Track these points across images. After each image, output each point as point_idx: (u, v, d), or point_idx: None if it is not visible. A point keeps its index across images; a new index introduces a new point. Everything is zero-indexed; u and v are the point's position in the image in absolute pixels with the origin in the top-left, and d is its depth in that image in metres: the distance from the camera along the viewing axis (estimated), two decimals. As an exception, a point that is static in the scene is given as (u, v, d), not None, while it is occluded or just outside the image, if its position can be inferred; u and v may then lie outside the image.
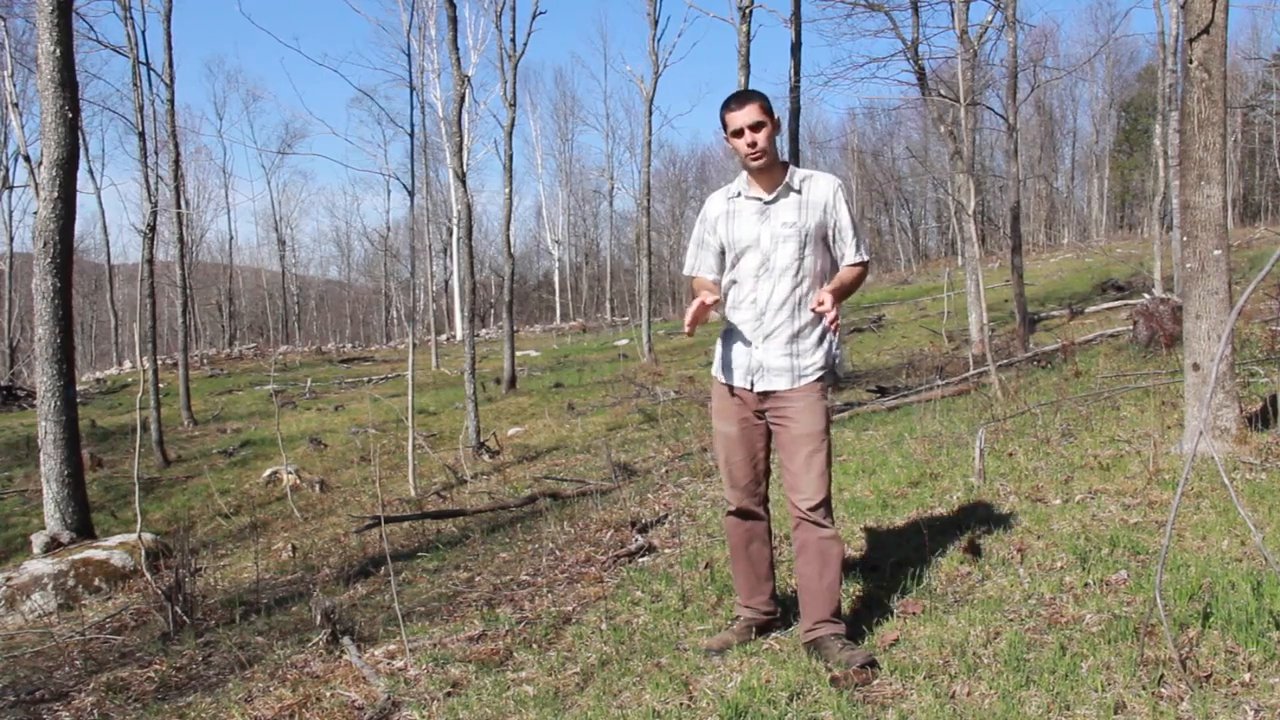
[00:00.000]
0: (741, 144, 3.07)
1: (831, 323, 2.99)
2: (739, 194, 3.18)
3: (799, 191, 3.12)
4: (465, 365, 11.23)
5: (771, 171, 3.12)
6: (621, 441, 9.73)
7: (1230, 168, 34.87)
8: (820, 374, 3.13)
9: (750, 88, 3.17)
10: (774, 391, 3.12)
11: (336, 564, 6.29)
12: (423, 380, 19.24)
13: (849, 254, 3.16)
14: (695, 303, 3.05)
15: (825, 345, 3.15)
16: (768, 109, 3.07)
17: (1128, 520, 4.02)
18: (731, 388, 3.21)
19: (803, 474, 3.06)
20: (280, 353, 32.18)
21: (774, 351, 3.11)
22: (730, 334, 3.22)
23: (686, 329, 3.06)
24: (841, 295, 3.11)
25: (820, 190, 3.12)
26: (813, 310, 3.02)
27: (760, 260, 3.11)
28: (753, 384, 3.15)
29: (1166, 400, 6.39)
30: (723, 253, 3.24)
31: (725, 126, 3.11)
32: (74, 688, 4.11)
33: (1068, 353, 9.71)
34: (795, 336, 3.11)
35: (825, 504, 3.07)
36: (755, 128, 3.04)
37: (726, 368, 3.22)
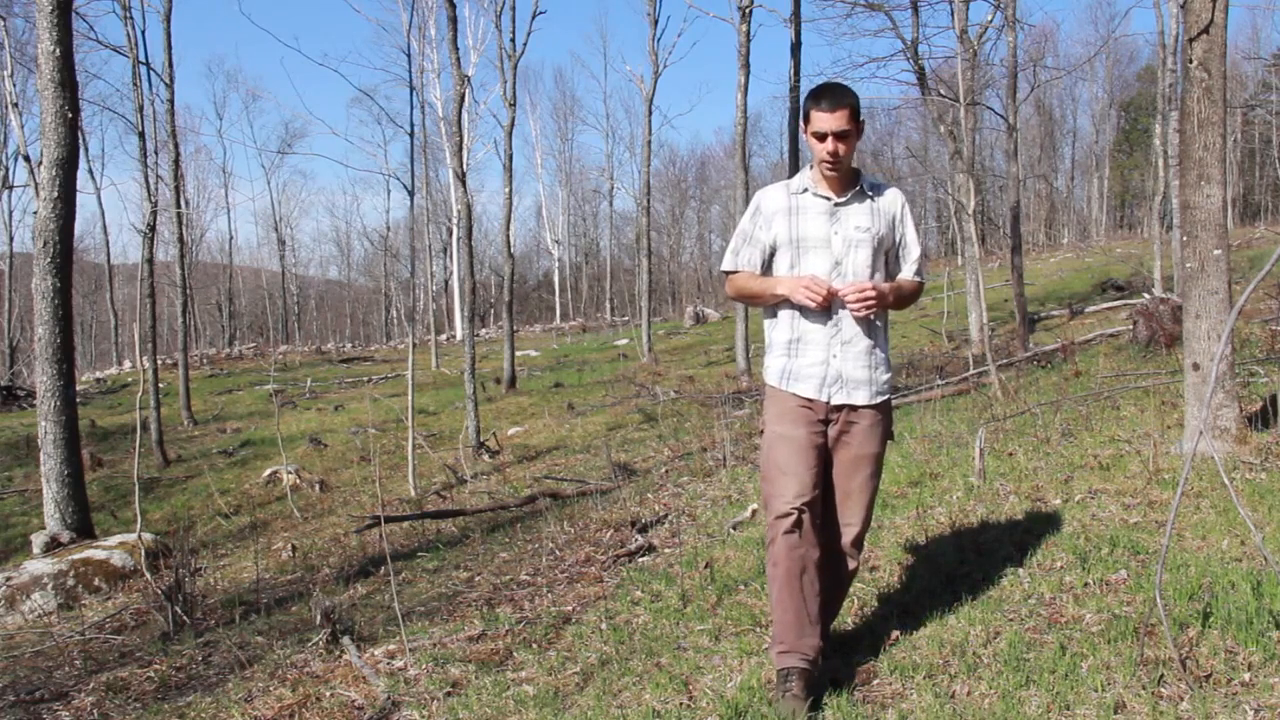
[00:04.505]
0: (820, 148, 2.83)
1: (859, 303, 2.80)
2: (805, 190, 2.93)
3: (871, 198, 2.92)
4: (465, 365, 11.23)
5: (843, 177, 2.91)
6: (621, 441, 9.73)
7: (1230, 168, 34.87)
8: (890, 393, 2.97)
9: (842, 88, 2.86)
10: (849, 405, 2.89)
11: (336, 564, 6.29)
12: (423, 380, 19.24)
13: (909, 271, 2.98)
14: (825, 287, 2.80)
15: (891, 364, 2.99)
16: (857, 116, 2.83)
17: (1128, 520, 4.01)
18: (797, 397, 2.90)
19: (856, 496, 2.90)
20: (280, 352, 32.18)
21: (852, 361, 2.88)
22: (797, 344, 2.92)
23: (819, 305, 2.81)
24: (896, 297, 2.93)
25: (889, 201, 2.94)
26: (852, 292, 2.81)
27: (831, 263, 2.87)
28: (830, 396, 2.88)
29: (1166, 400, 6.39)
30: (772, 251, 2.97)
31: (807, 120, 2.86)
32: (74, 687, 4.11)
33: (1068, 353, 9.72)
34: (873, 347, 2.91)
35: (864, 535, 2.97)
36: (841, 136, 2.80)
37: (793, 378, 2.91)
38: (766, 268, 3.00)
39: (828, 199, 2.90)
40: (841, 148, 2.82)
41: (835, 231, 2.89)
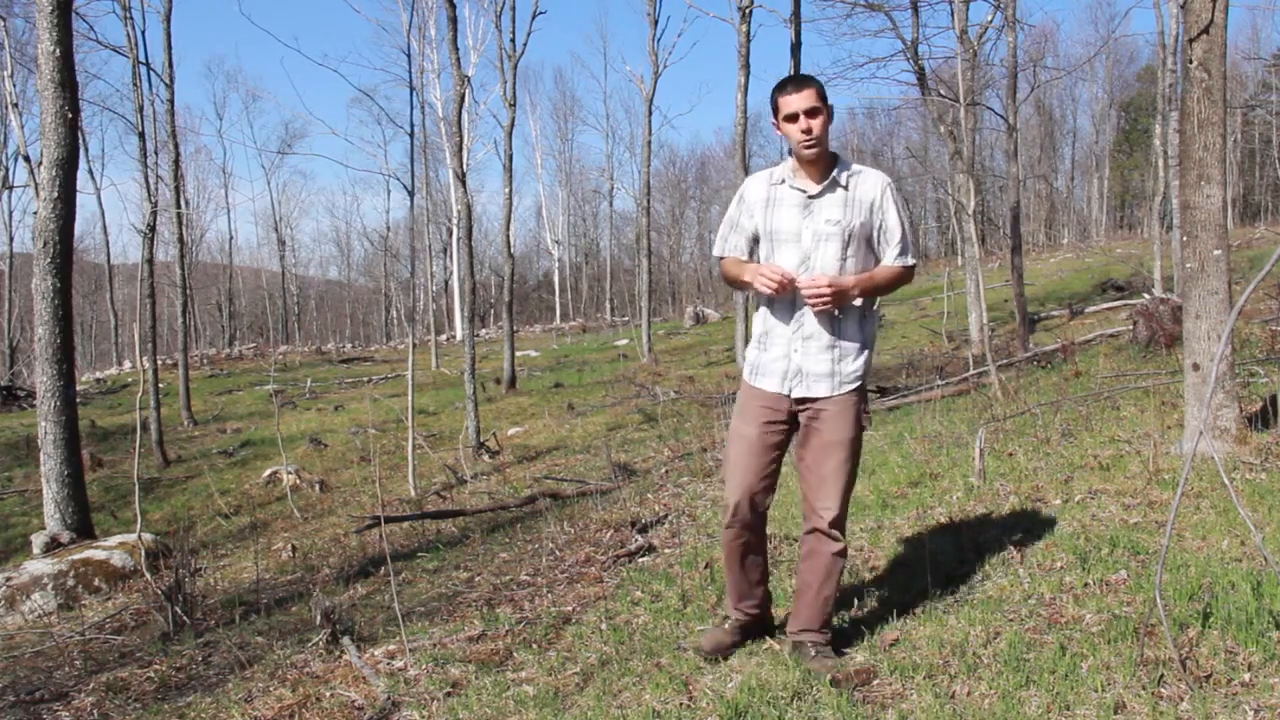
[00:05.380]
0: (795, 130, 2.89)
1: (814, 299, 2.84)
2: (783, 181, 3.00)
3: (846, 188, 2.95)
4: (465, 365, 11.23)
5: (820, 163, 2.95)
6: (621, 441, 9.73)
7: (1230, 168, 34.87)
8: (859, 382, 2.99)
9: (806, 74, 3.06)
10: (811, 398, 2.98)
11: (336, 564, 6.29)
12: (423, 380, 19.24)
13: (890, 255, 2.98)
14: (779, 274, 2.88)
15: (865, 353, 3.00)
16: (823, 95, 2.91)
17: (1128, 520, 4.01)
18: (762, 394, 3.04)
19: (830, 481, 2.96)
20: (280, 353, 32.18)
21: (813, 356, 2.95)
22: (766, 336, 3.04)
23: (774, 290, 2.88)
24: (868, 288, 2.94)
25: (868, 188, 2.95)
26: (807, 287, 2.86)
27: (800, 258, 2.94)
28: (790, 390, 2.98)
29: (1166, 400, 6.39)
30: (756, 239, 3.06)
31: (776, 111, 2.94)
32: (74, 688, 4.11)
33: (1068, 353, 9.71)
34: (837, 340, 2.95)
35: (843, 518, 3.01)
36: (811, 113, 2.87)
37: (759, 371, 3.04)
38: (754, 255, 3.10)
39: (803, 191, 2.96)
40: (815, 125, 2.89)
41: (806, 226, 2.95)
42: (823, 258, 2.93)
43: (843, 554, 3.03)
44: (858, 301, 2.97)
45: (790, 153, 3.01)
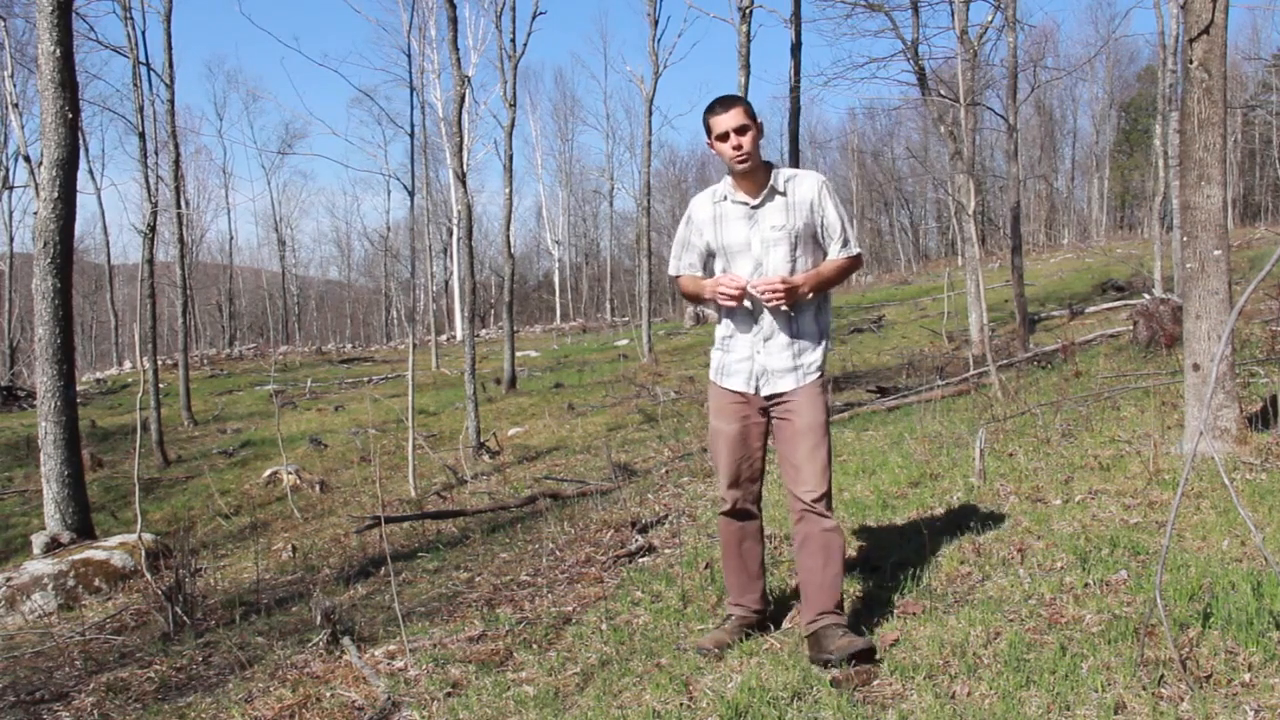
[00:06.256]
0: (726, 148, 3.08)
1: (771, 295, 3.01)
2: (725, 198, 3.19)
3: (784, 193, 3.13)
4: (465, 365, 11.22)
5: (756, 174, 3.13)
6: (621, 441, 9.73)
7: (1230, 168, 34.82)
8: (820, 371, 3.17)
9: (733, 94, 3.22)
10: (779, 394, 3.15)
11: (336, 564, 6.29)
12: (423, 380, 19.23)
13: (834, 249, 3.17)
14: (735, 284, 3.07)
15: (823, 343, 3.19)
16: (751, 113, 3.10)
17: (1128, 520, 4.01)
18: (731, 392, 3.22)
19: (806, 464, 3.08)
20: (280, 353, 32.17)
21: (775, 356, 3.14)
22: (729, 340, 3.24)
23: (734, 301, 3.07)
24: (817, 284, 3.13)
25: (805, 189, 3.13)
26: (758, 287, 3.05)
27: (753, 265, 3.13)
28: (758, 388, 3.17)
29: (1166, 400, 6.39)
30: (709, 254, 3.26)
31: (709, 131, 3.13)
32: (74, 688, 4.11)
33: (1068, 353, 9.72)
34: (795, 337, 3.14)
35: (827, 496, 3.10)
36: (740, 131, 3.06)
37: (726, 373, 3.24)
38: (709, 269, 3.28)
39: (746, 204, 3.14)
40: (745, 141, 3.07)
41: (754, 235, 3.13)
42: (773, 262, 3.11)
43: (837, 531, 3.10)
44: (810, 297, 3.15)
45: (729, 171, 3.18)
